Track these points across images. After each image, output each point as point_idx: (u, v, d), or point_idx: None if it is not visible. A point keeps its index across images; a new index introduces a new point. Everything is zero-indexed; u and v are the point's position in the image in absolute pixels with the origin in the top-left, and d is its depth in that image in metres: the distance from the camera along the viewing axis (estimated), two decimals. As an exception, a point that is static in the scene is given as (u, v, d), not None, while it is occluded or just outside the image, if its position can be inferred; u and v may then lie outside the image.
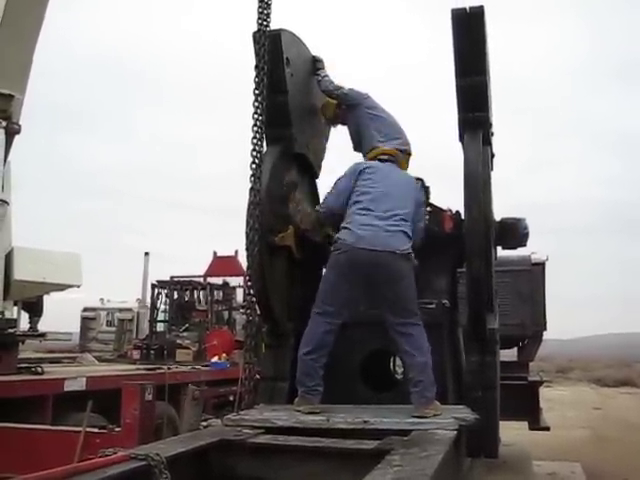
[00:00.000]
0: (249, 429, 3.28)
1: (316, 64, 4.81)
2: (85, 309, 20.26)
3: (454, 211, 4.34)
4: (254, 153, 3.98)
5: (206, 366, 9.08)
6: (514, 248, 4.73)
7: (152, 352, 10.65)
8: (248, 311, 4.02)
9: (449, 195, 4.43)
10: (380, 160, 4.18)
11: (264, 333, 4.53)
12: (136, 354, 10.90)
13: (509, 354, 7.75)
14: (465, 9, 3.94)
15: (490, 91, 4.19)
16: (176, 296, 13.15)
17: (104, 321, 19.97)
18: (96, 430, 4.62)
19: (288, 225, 4.28)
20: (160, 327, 13.24)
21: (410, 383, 3.64)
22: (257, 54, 4.05)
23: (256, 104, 4.00)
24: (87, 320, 19.94)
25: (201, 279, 13.76)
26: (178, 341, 11.41)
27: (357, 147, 4.66)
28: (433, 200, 4.49)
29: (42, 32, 6.52)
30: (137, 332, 17.40)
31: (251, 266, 3.96)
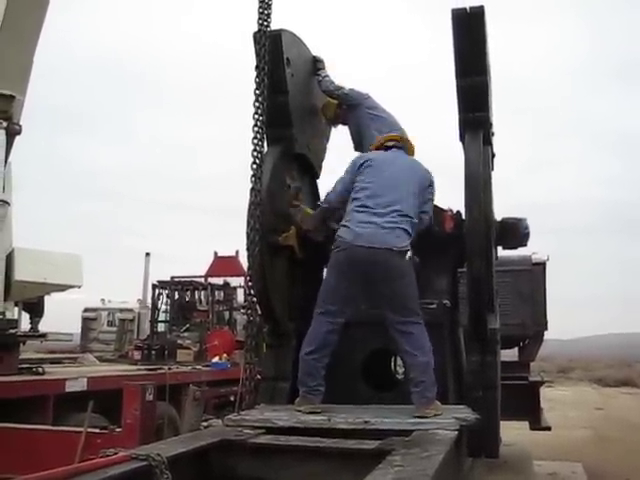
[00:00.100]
0: (250, 429, 3.28)
1: (317, 64, 4.82)
2: (86, 309, 20.26)
3: (455, 211, 4.34)
4: (255, 153, 3.98)
5: (207, 366, 9.07)
6: (515, 248, 4.73)
7: (153, 352, 10.63)
8: (249, 311, 4.03)
9: (450, 195, 4.44)
10: (386, 147, 4.14)
11: (265, 333, 4.54)
12: (137, 354, 10.89)
13: (510, 354, 7.74)
14: (465, 9, 3.94)
15: (490, 91, 4.19)
16: (177, 296, 13.16)
17: (105, 321, 19.97)
18: (97, 430, 4.61)
19: (289, 225, 4.28)
20: (161, 327, 13.24)
21: (411, 383, 3.64)
22: (258, 54, 4.06)
23: (257, 104, 4.00)
24: (88, 320, 19.94)
25: (202, 279, 13.76)
26: (179, 341, 11.41)
27: (358, 147, 4.67)
28: (434, 200, 4.50)
29: (43, 34, 6.52)
30: (138, 332, 17.40)
31: (252, 266, 3.96)
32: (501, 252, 4.75)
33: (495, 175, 4.27)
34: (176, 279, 13.59)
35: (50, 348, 12.56)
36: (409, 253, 3.73)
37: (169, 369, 7.53)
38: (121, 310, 19.47)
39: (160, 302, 13.27)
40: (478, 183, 3.87)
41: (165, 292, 13.26)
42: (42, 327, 8.05)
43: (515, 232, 4.48)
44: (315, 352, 3.71)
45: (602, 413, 14.68)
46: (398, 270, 3.67)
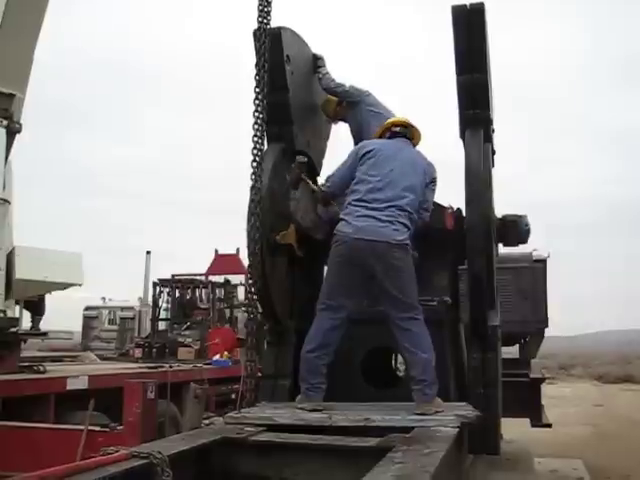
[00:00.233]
0: (251, 427, 3.28)
1: (317, 62, 4.81)
2: (87, 308, 20.31)
3: (455, 208, 4.34)
4: (255, 151, 3.98)
5: (208, 364, 9.08)
6: (515, 245, 4.73)
7: (154, 350, 10.65)
8: (250, 309, 4.03)
9: (450, 192, 4.43)
10: (392, 133, 4.10)
11: (266, 331, 4.54)
12: (138, 352, 10.91)
13: (511, 351, 7.74)
14: (465, 6, 3.94)
15: (491, 88, 4.18)
16: (178, 294, 13.16)
17: (106, 320, 20.02)
18: (98, 428, 4.61)
19: (289, 223, 4.28)
20: (162, 325, 13.26)
21: (412, 380, 3.64)
22: (258, 52, 4.05)
23: (257, 102, 4.00)
24: (89, 319, 20.00)
25: (203, 277, 13.77)
26: (180, 339, 11.43)
27: (358, 144, 4.66)
28: (435, 197, 4.49)
29: (48, 34, 6.52)
30: (139, 330, 17.45)
31: (252, 264, 3.96)
32: (502, 249, 4.75)
33: (497, 172, 4.28)
34: (177, 277, 13.61)
35: (53, 346, 12.58)
36: (409, 249, 3.73)
37: (170, 367, 7.52)
38: (122, 308, 19.52)
39: (161, 300, 13.29)
40: (478, 180, 3.87)
41: (166, 290, 13.27)
42: (43, 325, 8.06)
43: (516, 229, 4.48)
44: (316, 350, 3.71)
45: (602, 410, 14.68)
46: (397, 263, 3.66)
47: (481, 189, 3.88)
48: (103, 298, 20.87)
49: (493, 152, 4.29)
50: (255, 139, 3.97)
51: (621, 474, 7.65)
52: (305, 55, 4.74)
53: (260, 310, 4.16)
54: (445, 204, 4.42)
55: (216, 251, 14.39)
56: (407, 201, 3.78)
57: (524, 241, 4.65)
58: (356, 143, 4.66)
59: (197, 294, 13.36)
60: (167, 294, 13.24)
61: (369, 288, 3.79)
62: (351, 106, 4.77)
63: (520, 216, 4.52)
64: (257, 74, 4.02)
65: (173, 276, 13.67)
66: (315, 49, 4.87)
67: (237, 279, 13.52)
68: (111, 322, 19.79)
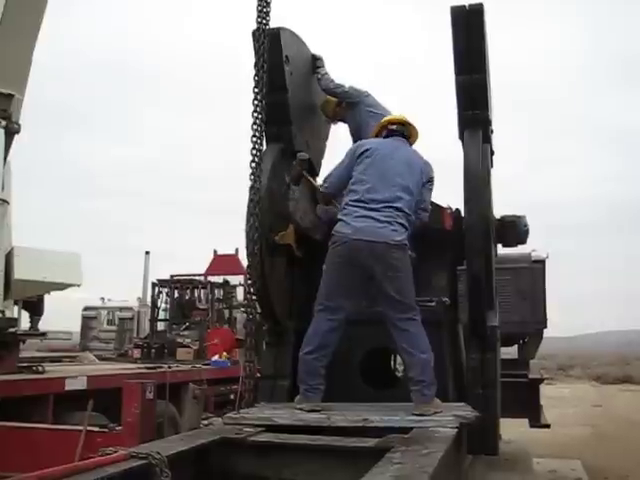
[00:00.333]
0: (250, 427, 3.28)
1: (316, 62, 4.81)
2: (86, 308, 20.29)
3: (454, 209, 4.34)
4: (254, 151, 3.98)
5: (207, 365, 9.07)
6: (514, 246, 4.74)
7: (153, 351, 10.65)
8: (249, 309, 4.03)
9: (449, 193, 4.42)
10: (389, 131, 4.10)
11: (265, 331, 4.54)
12: (137, 353, 10.92)
13: (510, 352, 7.75)
14: (464, 6, 3.94)
15: (490, 88, 4.19)
16: (177, 295, 13.17)
17: (105, 320, 20.01)
18: (97, 429, 4.61)
19: (288, 223, 4.28)
20: (161, 326, 13.26)
21: (410, 381, 3.63)
22: (257, 52, 4.05)
23: (256, 102, 4.00)
24: (88, 319, 19.99)
25: (202, 278, 13.77)
26: (179, 340, 11.42)
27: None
28: (433, 198, 4.50)
29: (48, 35, 6.51)
30: (138, 331, 17.44)
31: (251, 264, 3.96)
32: (501, 250, 4.75)
33: (495, 173, 4.28)
34: (176, 277, 13.62)
35: (52, 347, 12.58)
36: (407, 249, 3.73)
37: (169, 367, 7.52)
38: (121, 309, 19.51)
39: (160, 300, 13.30)
40: (477, 180, 3.88)
41: (165, 290, 13.28)
42: (42, 326, 8.04)
43: (515, 229, 4.49)
44: (315, 352, 3.71)
45: (601, 410, 14.69)
46: (396, 264, 3.65)
47: (480, 189, 3.89)
48: (102, 298, 20.86)
49: (492, 152, 4.29)
50: (254, 139, 3.97)
51: (619, 474, 7.65)
52: (304, 55, 4.75)
53: (259, 310, 4.16)
54: (444, 204, 4.43)
55: (215, 251, 14.40)
56: (404, 202, 3.77)
57: (523, 242, 4.66)
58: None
59: (196, 294, 13.37)
60: (166, 294, 13.25)
61: (367, 289, 3.78)
62: (350, 107, 4.78)
63: (519, 217, 4.53)
64: (256, 74, 4.02)
65: (172, 276, 13.68)
66: (314, 49, 4.87)
67: (236, 279, 13.52)
68: (110, 322, 19.78)
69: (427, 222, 4.03)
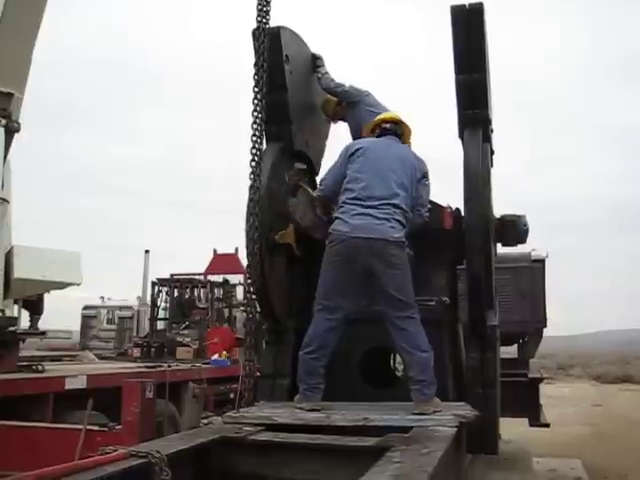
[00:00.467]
0: (249, 426, 3.28)
1: (316, 61, 4.81)
2: (85, 307, 20.30)
3: (454, 208, 4.34)
4: (254, 151, 3.98)
5: (206, 364, 9.08)
6: (514, 245, 4.74)
7: (152, 350, 10.65)
8: (248, 309, 4.03)
9: (449, 192, 4.42)
10: (382, 129, 4.09)
11: (264, 330, 4.54)
12: (136, 352, 10.91)
13: (510, 351, 7.75)
14: (464, 6, 3.94)
15: (490, 88, 4.19)
16: (176, 294, 13.17)
17: (104, 319, 20.02)
18: (97, 428, 4.61)
19: (288, 223, 4.28)
20: (160, 325, 13.26)
21: (410, 380, 3.63)
22: (257, 51, 4.05)
23: (255, 101, 4.00)
24: (88, 318, 19.99)
25: (201, 277, 13.77)
26: (178, 339, 11.43)
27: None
28: (433, 197, 4.49)
29: (48, 33, 6.51)
30: (137, 330, 17.44)
31: (251, 264, 3.96)
32: (500, 249, 4.75)
33: (496, 172, 4.28)
34: (176, 276, 13.61)
35: (52, 346, 12.58)
36: (406, 244, 3.73)
37: (169, 366, 7.53)
38: (120, 308, 19.50)
39: (160, 299, 13.30)
40: (477, 180, 3.87)
41: (164, 289, 13.28)
42: (42, 325, 8.04)
43: (514, 229, 4.49)
44: (314, 352, 3.70)
45: (601, 410, 14.70)
46: (394, 260, 3.65)
47: (480, 188, 3.88)
48: (102, 297, 20.86)
49: (492, 152, 4.29)
50: (254, 138, 3.97)
51: (619, 474, 7.66)
52: (304, 55, 4.74)
53: (259, 310, 4.16)
54: (444, 204, 4.43)
55: (215, 251, 14.38)
56: (400, 198, 3.77)
57: (523, 241, 4.66)
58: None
59: (196, 294, 13.37)
60: (166, 293, 13.25)
61: (366, 287, 3.77)
62: (350, 106, 4.77)
63: (519, 216, 4.53)
64: (256, 74, 4.02)
65: (172, 275, 13.67)
66: (314, 48, 4.87)
67: (236, 279, 13.52)
68: (110, 321, 19.79)
69: (427, 221, 4.04)
